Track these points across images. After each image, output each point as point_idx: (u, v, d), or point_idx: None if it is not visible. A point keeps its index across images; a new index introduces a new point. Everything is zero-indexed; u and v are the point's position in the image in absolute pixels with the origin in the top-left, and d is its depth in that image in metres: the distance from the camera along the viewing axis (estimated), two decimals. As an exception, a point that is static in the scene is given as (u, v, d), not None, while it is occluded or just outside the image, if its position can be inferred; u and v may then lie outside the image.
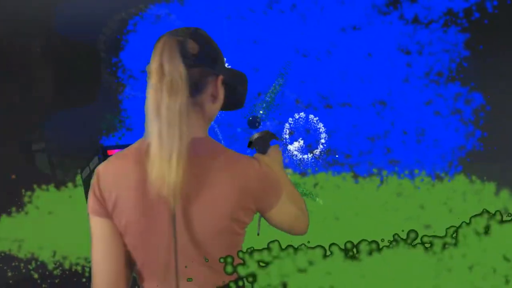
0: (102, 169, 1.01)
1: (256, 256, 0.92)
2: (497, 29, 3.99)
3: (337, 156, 4.50)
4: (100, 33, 4.86)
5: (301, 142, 4.42)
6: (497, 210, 0.94)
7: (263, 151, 1.31)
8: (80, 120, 4.59)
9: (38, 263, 3.79)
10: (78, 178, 4.54)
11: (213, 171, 0.98)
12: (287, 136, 4.43)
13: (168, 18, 4.89)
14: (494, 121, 4.02)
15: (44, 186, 4.24)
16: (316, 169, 4.41)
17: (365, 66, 4.51)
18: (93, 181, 1.02)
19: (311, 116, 4.48)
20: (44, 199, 4.16)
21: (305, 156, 4.41)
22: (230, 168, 0.99)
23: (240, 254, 0.91)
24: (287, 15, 4.65)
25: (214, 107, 1.07)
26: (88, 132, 4.60)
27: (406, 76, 4.46)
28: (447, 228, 0.93)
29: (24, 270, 3.80)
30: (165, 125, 0.90)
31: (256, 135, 1.31)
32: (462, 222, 0.95)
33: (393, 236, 0.96)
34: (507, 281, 0.92)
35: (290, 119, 4.49)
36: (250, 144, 1.36)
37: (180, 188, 0.92)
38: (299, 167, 4.40)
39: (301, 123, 4.49)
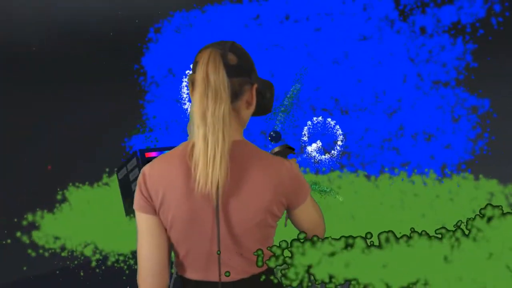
0: (148, 169, 1.11)
1: (285, 252, 1.01)
2: (504, 37, 4.11)
3: (349, 156, 4.65)
4: (123, 39, 4.89)
5: (319, 143, 4.57)
6: (499, 205, 1.07)
7: None
8: (104, 122, 4.65)
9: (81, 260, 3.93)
10: (104, 178, 4.63)
11: (250, 170, 1.09)
12: (305, 138, 4.59)
13: (189, 26, 5.03)
14: (500, 126, 4.13)
15: (78, 184, 4.38)
16: (332, 169, 4.56)
17: (377, 74, 4.65)
18: (140, 180, 1.10)
19: (329, 119, 4.62)
20: (78, 197, 4.31)
21: (322, 157, 4.57)
22: (265, 167, 1.11)
23: (274, 249, 1.00)
24: (303, 24, 4.80)
25: (248, 113, 1.19)
26: (112, 134, 4.70)
27: (416, 83, 4.60)
28: (458, 221, 1.07)
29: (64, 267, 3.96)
30: (210, 130, 1.00)
31: (275, 149, 1.40)
32: (476, 215, 1.07)
33: (410, 229, 1.11)
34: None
35: (309, 122, 4.64)
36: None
37: (222, 185, 1.02)
38: (316, 166, 4.56)
39: (319, 126, 4.64)
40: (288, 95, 4.65)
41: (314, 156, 4.54)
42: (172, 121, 4.71)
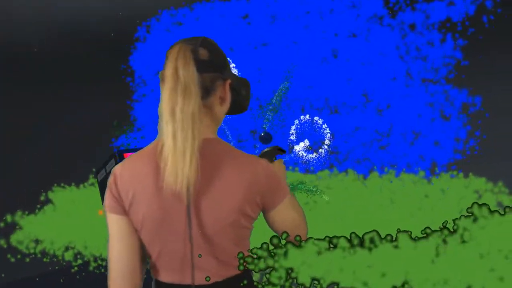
0: (119, 169, 1.07)
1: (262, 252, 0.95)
2: (494, 35, 4.11)
3: (337, 154, 4.64)
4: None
5: (307, 142, 4.55)
6: (484, 203, 1.04)
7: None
8: (91, 122, 4.62)
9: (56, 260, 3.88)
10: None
11: (223, 168, 1.04)
12: (293, 138, 4.56)
13: (177, 24, 5.00)
14: (490, 123, 4.13)
15: (62, 185, 4.36)
16: (313, 168, 4.56)
17: (366, 72, 4.64)
18: (110, 180, 1.07)
19: (316, 118, 4.61)
20: (62, 198, 4.27)
21: (310, 156, 4.55)
22: (238, 165, 1.05)
23: (256, 251, 0.94)
24: (292, 22, 4.78)
25: (222, 109, 1.13)
26: (99, 134, 4.65)
27: (405, 81, 4.60)
28: (444, 221, 1.04)
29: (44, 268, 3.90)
30: (179, 127, 0.96)
31: (265, 150, 1.38)
32: (462, 215, 1.05)
33: (397, 230, 1.07)
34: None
35: (296, 121, 4.62)
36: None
37: (193, 184, 0.98)
38: (305, 166, 4.54)
39: (306, 124, 4.62)
40: (276, 93, 4.63)
41: (302, 155, 4.52)
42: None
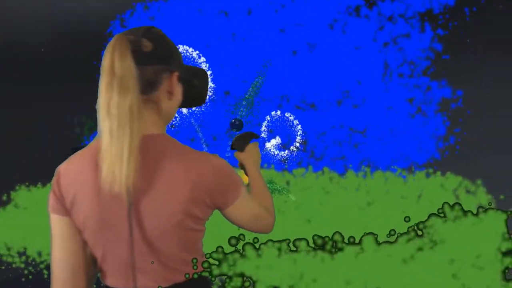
0: (62, 168, 1.03)
1: (214, 255, 0.92)
2: (473, 29, 4.03)
3: (310, 152, 4.59)
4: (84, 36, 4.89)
5: (278, 139, 4.49)
6: (457, 202, 0.98)
7: (241, 149, 1.36)
8: (60, 121, 4.57)
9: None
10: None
11: (167, 166, 0.99)
12: (264, 135, 4.50)
13: (152, 17, 4.99)
14: (469, 119, 4.06)
15: (26, 184, 4.31)
16: (286, 166, 4.50)
17: (343, 65, 4.55)
18: (53, 180, 1.03)
19: (287, 114, 4.55)
20: (24, 198, 4.21)
21: (282, 153, 4.50)
22: (184, 163, 1.00)
23: (211, 255, 0.91)
24: (269, 16, 4.72)
25: (171, 104, 1.08)
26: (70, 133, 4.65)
27: (383, 76, 4.52)
28: (413, 225, 0.97)
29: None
30: (115, 123, 0.92)
31: (238, 135, 1.36)
32: (430, 215, 0.98)
33: (364, 233, 1.00)
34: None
35: (268, 117, 4.55)
36: (232, 145, 1.38)
37: (132, 184, 0.93)
38: (278, 164, 4.49)
39: (278, 121, 4.56)
40: (250, 88, 4.57)
41: (273, 152, 4.46)
42: None
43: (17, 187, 4.37)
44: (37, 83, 4.42)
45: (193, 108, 4.70)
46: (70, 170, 1.02)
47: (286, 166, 4.45)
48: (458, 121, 4.12)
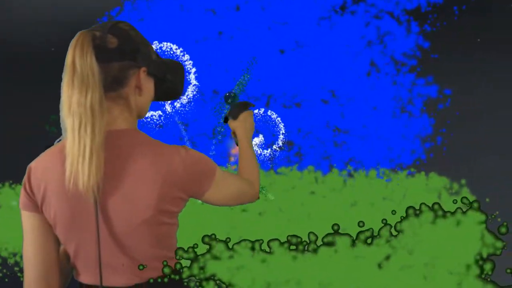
0: (33, 165, 1.02)
1: (185, 254, 0.94)
2: (464, 28, 4.00)
3: (288, 150, 4.56)
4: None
5: (261, 137, 4.48)
6: (436, 203, 0.95)
7: (234, 117, 1.35)
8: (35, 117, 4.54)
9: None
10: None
11: (135, 162, 0.98)
12: None
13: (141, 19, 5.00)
14: (456, 120, 4.02)
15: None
16: (271, 165, 4.48)
17: (328, 63, 4.53)
18: (25, 177, 1.03)
19: (270, 112, 4.53)
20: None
21: (265, 152, 4.48)
22: (152, 158, 0.99)
23: (182, 254, 0.94)
24: (257, 14, 4.71)
25: (142, 99, 1.07)
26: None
27: (368, 74, 4.50)
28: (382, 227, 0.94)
29: None
30: (76, 122, 0.91)
31: (233, 104, 1.36)
32: (402, 217, 0.96)
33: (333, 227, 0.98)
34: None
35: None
36: (226, 116, 1.38)
37: (96, 182, 0.92)
38: (263, 163, 4.47)
39: (262, 119, 4.54)
40: (236, 85, 4.56)
41: (257, 151, 4.44)
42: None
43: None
44: (37, 83, 4.42)
45: (177, 106, 4.71)
46: (40, 167, 1.01)
47: (272, 166, 4.43)
48: (444, 121, 4.09)
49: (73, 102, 0.91)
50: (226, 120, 1.40)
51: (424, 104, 4.30)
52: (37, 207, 1.02)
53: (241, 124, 1.35)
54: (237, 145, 1.36)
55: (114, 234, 0.99)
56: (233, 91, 1.46)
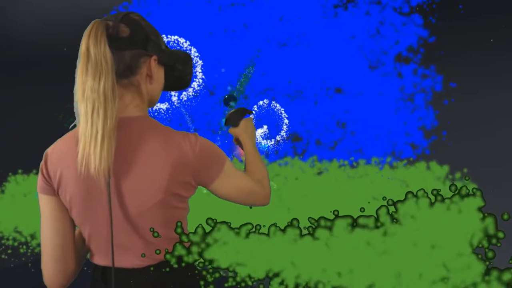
0: (50, 150, 1.06)
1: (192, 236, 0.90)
2: (467, 17, 3.98)
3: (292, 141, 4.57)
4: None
5: (265, 128, 4.50)
6: (421, 188, 0.96)
7: (235, 124, 1.38)
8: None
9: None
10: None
11: (147, 146, 1.01)
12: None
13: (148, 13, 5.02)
14: (460, 112, 4.01)
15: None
16: (276, 152, 4.49)
17: (332, 55, 4.53)
18: (42, 162, 1.06)
19: (274, 103, 4.54)
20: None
21: (269, 142, 4.50)
22: (163, 142, 1.02)
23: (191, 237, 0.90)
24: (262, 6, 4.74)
25: (152, 87, 1.10)
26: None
27: (372, 65, 4.49)
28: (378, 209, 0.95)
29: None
30: (90, 106, 0.94)
31: (231, 111, 1.39)
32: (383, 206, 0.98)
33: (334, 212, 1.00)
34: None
35: (255, 106, 4.55)
36: (225, 121, 1.41)
37: (107, 165, 0.95)
38: (264, 153, 4.50)
39: (266, 110, 4.56)
40: (241, 78, 4.59)
41: (261, 142, 4.47)
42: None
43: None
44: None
45: (184, 99, 4.75)
46: (56, 152, 1.05)
47: (276, 152, 4.46)
48: (447, 113, 4.08)
49: (86, 88, 0.95)
50: (226, 123, 1.43)
51: (427, 95, 4.30)
52: (54, 191, 1.06)
53: (243, 131, 1.38)
54: (242, 149, 1.39)
55: (127, 216, 1.03)
56: (232, 93, 1.48)
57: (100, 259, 1.09)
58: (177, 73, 1.16)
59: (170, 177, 1.02)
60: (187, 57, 1.19)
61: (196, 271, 1.12)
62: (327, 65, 4.56)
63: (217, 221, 0.95)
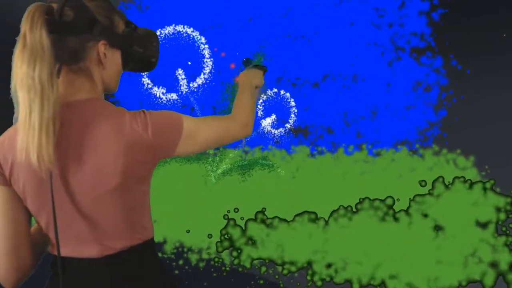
0: (1, 138, 1.00)
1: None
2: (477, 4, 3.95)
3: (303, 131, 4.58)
4: None
5: (273, 117, 4.49)
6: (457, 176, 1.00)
7: (245, 68, 1.42)
8: None
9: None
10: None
11: (99, 130, 0.96)
12: (260, 114, 4.50)
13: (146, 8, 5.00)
14: (472, 101, 4.01)
15: None
16: (278, 141, 4.51)
17: (340, 44, 4.51)
18: None
19: (282, 91, 4.53)
20: None
21: (277, 131, 4.50)
22: (115, 125, 0.97)
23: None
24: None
25: (106, 72, 1.04)
26: None
27: (382, 52, 4.47)
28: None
29: None
30: (26, 94, 0.89)
31: (248, 61, 1.42)
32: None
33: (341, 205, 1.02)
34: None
35: (263, 95, 4.54)
36: (245, 61, 1.44)
37: (48, 154, 0.90)
38: (274, 142, 4.50)
39: (274, 99, 4.56)
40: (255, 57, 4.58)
41: (270, 131, 4.48)
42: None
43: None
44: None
45: (193, 87, 4.74)
46: (6, 140, 1.00)
47: (277, 142, 4.47)
48: (460, 101, 4.09)
49: (22, 75, 0.89)
50: (245, 62, 1.46)
51: (439, 84, 4.30)
52: (6, 180, 1.00)
53: (245, 76, 1.36)
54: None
55: (80, 205, 0.98)
56: (250, 58, 1.51)
57: (54, 250, 1.02)
58: (137, 55, 1.10)
59: (126, 158, 0.97)
60: (150, 37, 1.14)
61: (158, 262, 1.09)
62: (339, 54, 4.55)
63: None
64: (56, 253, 1.01)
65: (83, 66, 0.99)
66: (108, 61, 1.04)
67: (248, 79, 1.35)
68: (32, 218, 1.05)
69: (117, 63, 1.07)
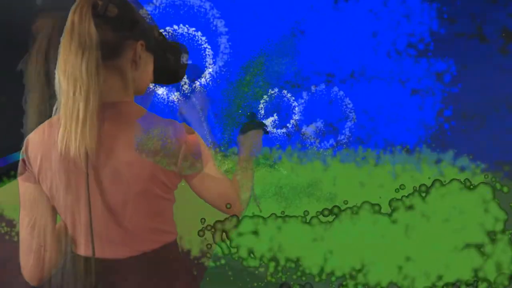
0: (31, 136, 1.01)
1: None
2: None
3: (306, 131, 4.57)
4: None
5: (275, 117, 4.48)
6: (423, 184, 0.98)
7: (243, 131, 1.40)
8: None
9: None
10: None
11: (130, 133, 0.96)
12: (261, 112, 4.48)
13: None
14: (473, 102, 3.99)
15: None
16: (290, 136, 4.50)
17: (347, 42, 4.49)
18: (23, 148, 1.01)
19: (285, 91, 4.52)
20: None
21: (279, 131, 4.49)
22: (148, 130, 0.97)
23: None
24: None
25: (138, 74, 1.03)
26: None
27: (388, 51, 4.45)
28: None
29: None
30: (71, 84, 0.89)
31: (250, 121, 1.44)
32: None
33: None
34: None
35: (265, 96, 4.49)
36: (250, 115, 1.43)
37: (90, 147, 0.90)
38: (275, 142, 4.49)
39: (276, 99, 4.55)
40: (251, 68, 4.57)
41: (271, 130, 4.48)
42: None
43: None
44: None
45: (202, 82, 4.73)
46: (37, 138, 1.01)
47: (278, 146, 4.47)
48: (460, 99, 4.07)
49: (69, 66, 0.89)
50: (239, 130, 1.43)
51: (441, 82, 4.28)
52: (34, 178, 1.01)
53: (246, 139, 1.37)
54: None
55: (109, 205, 0.98)
56: (254, 113, 1.50)
57: (81, 249, 1.04)
58: (168, 64, 1.12)
59: (154, 165, 0.97)
60: (178, 48, 1.15)
61: (181, 264, 1.10)
62: (342, 53, 4.53)
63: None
64: (78, 252, 1.03)
65: (117, 64, 0.99)
66: (141, 63, 1.03)
67: (250, 146, 1.35)
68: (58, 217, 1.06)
69: (149, 67, 1.07)
